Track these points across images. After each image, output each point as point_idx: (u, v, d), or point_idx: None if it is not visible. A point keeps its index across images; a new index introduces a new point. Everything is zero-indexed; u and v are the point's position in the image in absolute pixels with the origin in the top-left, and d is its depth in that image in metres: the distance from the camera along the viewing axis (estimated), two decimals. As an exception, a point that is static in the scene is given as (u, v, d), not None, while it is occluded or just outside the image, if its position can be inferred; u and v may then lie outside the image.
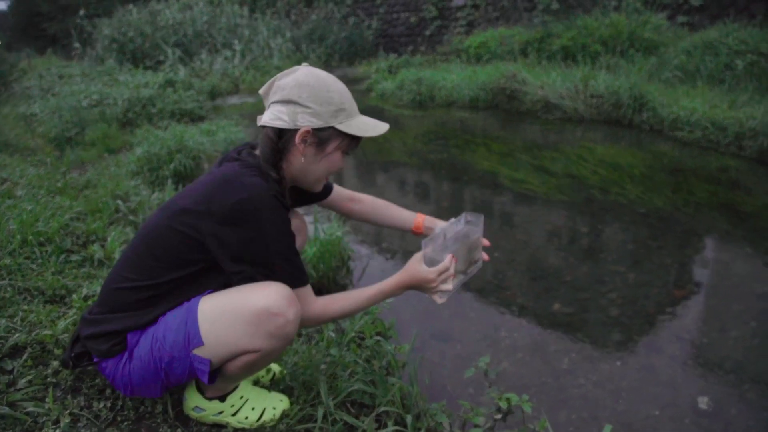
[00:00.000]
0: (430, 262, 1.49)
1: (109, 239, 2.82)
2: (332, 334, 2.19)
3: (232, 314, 1.35)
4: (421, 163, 5.64)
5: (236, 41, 14.30)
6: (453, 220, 1.64)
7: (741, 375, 2.31)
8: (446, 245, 1.53)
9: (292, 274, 1.41)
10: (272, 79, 1.45)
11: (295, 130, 1.39)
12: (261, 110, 1.49)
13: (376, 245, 3.70)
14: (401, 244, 3.72)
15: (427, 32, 14.39)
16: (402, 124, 7.62)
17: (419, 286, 1.50)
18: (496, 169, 5.22)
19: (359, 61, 14.94)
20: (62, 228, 2.82)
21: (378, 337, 2.20)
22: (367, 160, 5.84)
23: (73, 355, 1.46)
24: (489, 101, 8.06)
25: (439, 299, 1.52)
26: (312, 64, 1.87)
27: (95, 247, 2.72)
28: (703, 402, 2.17)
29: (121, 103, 7.35)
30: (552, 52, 8.84)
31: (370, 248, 3.65)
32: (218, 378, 1.46)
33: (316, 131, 1.40)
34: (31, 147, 5.60)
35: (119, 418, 1.54)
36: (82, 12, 15.15)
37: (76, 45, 14.78)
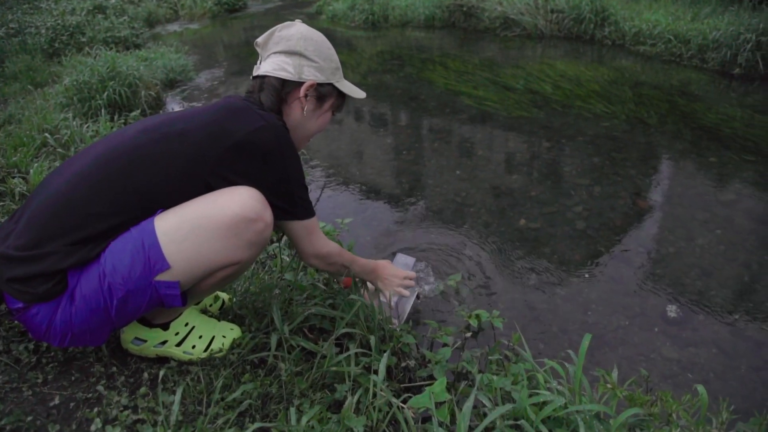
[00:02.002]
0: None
1: (32, 171, 2.53)
2: (287, 258, 2.02)
3: (205, 228, 1.19)
4: (377, 84, 5.36)
5: (173, -37, 13.18)
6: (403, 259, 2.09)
7: (708, 282, 2.28)
8: (414, 267, 2.06)
9: (308, 205, 1.42)
10: (271, 30, 1.43)
11: (299, 83, 1.39)
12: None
13: (332, 168, 3.50)
14: (358, 165, 3.52)
15: (379, -49, 13.58)
16: (355, 45, 7.23)
17: (385, 276, 1.76)
18: (455, 88, 5.00)
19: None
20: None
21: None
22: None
23: None
24: (445, 20, 7.71)
25: (386, 296, 1.72)
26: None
27: (16, 180, 2.44)
28: (671, 310, 2.13)
29: (44, 31, 6.68)
30: (510, -33, 8.44)
31: (324, 171, 3.44)
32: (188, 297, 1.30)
33: (318, 86, 1.42)
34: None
35: (44, 361, 1.35)
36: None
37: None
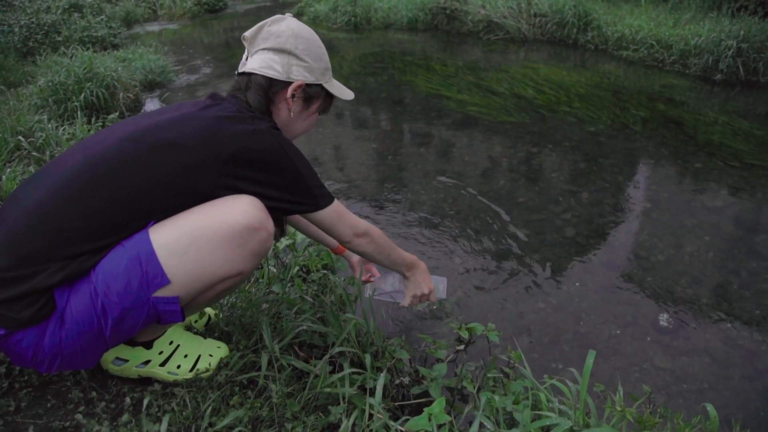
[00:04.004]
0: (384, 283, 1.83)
1: (4, 178, 2.42)
2: (273, 269, 1.95)
3: (207, 240, 1.12)
4: (360, 87, 5.30)
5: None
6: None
7: (698, 290, 2.27)
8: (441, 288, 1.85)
9: (326, 191, 1.35)
10: (260, 24, 1.35)
11: (286, 83, 1.32)
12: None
13: (317, 169, 3.43)
14: (342, 170, 3.46)
15: (361, -48, 13.53)
16: (337, 47, 7.17)
17: (419, 279, 1.67)
18: (439, 91, 4.97)
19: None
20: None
21: (325, 271, 1.99)
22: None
23: None
24: (428, 22, 7.69)
25: (403, 302, 1.71)
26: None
27: (-13, 186, 2.33)
28: (663, 319, 2.12)
29: (18, 29, 6.49)
30: (492, -29, 8.46)
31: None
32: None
33: (307, 87, 1.36)
34: None
35: (17, 386, 1.27)
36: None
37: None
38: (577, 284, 2.32)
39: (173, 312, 1.14)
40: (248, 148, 1.19)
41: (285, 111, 1.36)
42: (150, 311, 1.12)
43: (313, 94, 1.39)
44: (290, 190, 1.27)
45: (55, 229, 1.08)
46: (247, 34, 1.35)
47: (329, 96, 1.44)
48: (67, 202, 1.09)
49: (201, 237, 1.12)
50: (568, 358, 1.92)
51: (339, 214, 1.38)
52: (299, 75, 1.33)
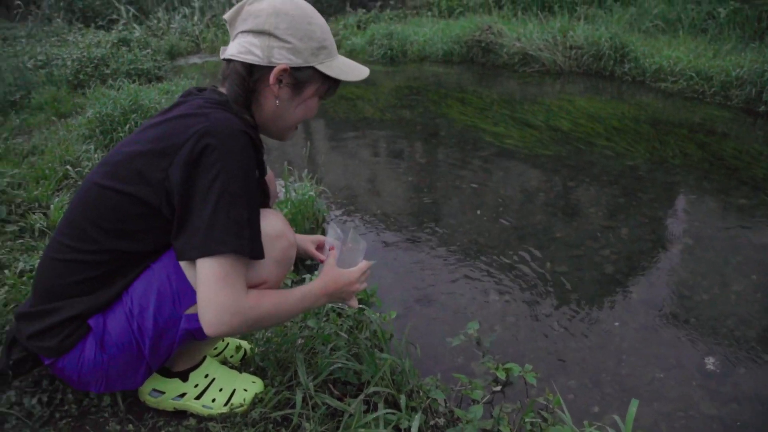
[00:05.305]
0: (346, 267, 1.36)
1: (52, 207, 2.51)
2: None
3: None
4: (396, 119, 5.35)
5: (195, -3, 13.52)
6: (335, 232, 1.47)
7: (746, 332, 2.17)
8: (355, 249, 1.41)
9: (243, 234, 1.08)
10: (241, 2, 1.19)
11: (269, 68, 1.17)
12: None
13: (351, 205, 3.45)
14: (377, 203, 3.48)
15: (397, -14, 13.84)
16: (373, 80, 7.28)
17: (341, 290, 1.30)
18: (474, 124, 4.98)
19: (326, 17, 14.35)
20: (-3, 196, 2.50)
21: (360, 305, 1.98)
22: (338, 119, 5.53)
23: (11, 363, 1.19)
24: (464, 55, 7.76)
25: (355, 303, 1.38)
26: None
27: (36, 216, 2.42)
28: (709, 362, 2.03)
29: (70, 63, 6.80)
30: (527, 3, 8.53)
31: (344, 208, 3.40)
32: None
33: (294, 71, 1.18)
34: (-32, 113, 5.12)
35: (58, 415, 1.30)
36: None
37: (18, 3, 13.76)
38: (617, 324, 2.25)
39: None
40: (186, 141, 1.08)
41: (271, 99, 1.20)
42: (184, 329, 1.15)
43: (304, 78, 1.21)
44: (185, 203, 1.08)
45: (58, 254, 1.16)
46: (227, 15, 1.22)
47: (328, 78, 1.24)
48: (66, 237, 1.16)
49: None
50: (608, 402, 1.85)
51: (226, 275, 1.09)
52: (282, 58, 1.16)
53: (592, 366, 2.02)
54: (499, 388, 1.71)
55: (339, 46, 9.93)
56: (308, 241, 1.56)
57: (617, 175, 3.66)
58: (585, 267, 2.64)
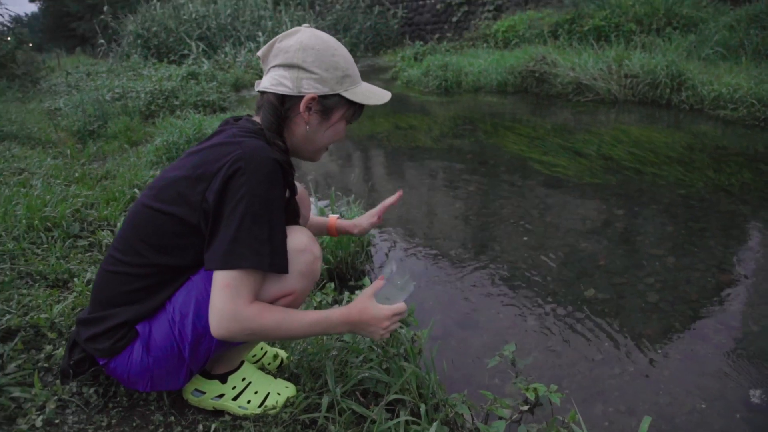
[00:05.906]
0: (383, 301, 1.33)
1: (118, 225, 2.74)
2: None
3: None
4: (448, 148, 5.45)
5: (260, 33, 14.26)
6: (390, 267, 1.39)
7: (797, 365, 2.08)
8: (403, 286, 1.34)
9: (262, 251, 1.19)
10: (272, 41, 1.34)
11: (299, 97, 1.30)
12: None
13: (399, 228, 3.54)
14: (424, 227, 3.55)
15: (454, 18, 14.11)
16: (428, 110, 7.43)
17: (366, 323, 1.30)
18: (525, 153, 5.00)
19: (384, 50, 14.76)
20: (73, 214, 2.75)
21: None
22: (392, 147, 5.68)
23: (72, 362, 1.37)
24: (518, 85, 7.80)
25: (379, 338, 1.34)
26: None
27: (104, 233, 2.64)
28: (755, 395, 1.96)
29: (143, 95, 7.34)
30: (583, 33, 8.52)
31: (391, 233, 3.49)
32: None
33: (322, 98, 1.32)
34: (53, 140, 5.60)
35: (110, 405, 1.44)
36: (106, 8, 15.32)
37: (101, 42, 14.95)
38: (659, 352, 2.21)
39: None
40: (219, 167, 1.20)
41: (302, 125, 1.33)
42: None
43: (331, 105, 1.34)
44: (215, 221, 1.21)
45: (110, 267, 1.31)
46: (260, 52, 1.36)
47: (353, 104, 1.37)
48: (116, 248, 1.32)
49: None
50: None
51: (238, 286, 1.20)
52: (310, 88, 1.29)
53: (631, 394, 1.99)
54: (527, 407, 1.72)
55: (395, 78, 10.19)
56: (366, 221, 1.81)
57: (668, 203, 3.59)
58: (627, 294, 2.60)
